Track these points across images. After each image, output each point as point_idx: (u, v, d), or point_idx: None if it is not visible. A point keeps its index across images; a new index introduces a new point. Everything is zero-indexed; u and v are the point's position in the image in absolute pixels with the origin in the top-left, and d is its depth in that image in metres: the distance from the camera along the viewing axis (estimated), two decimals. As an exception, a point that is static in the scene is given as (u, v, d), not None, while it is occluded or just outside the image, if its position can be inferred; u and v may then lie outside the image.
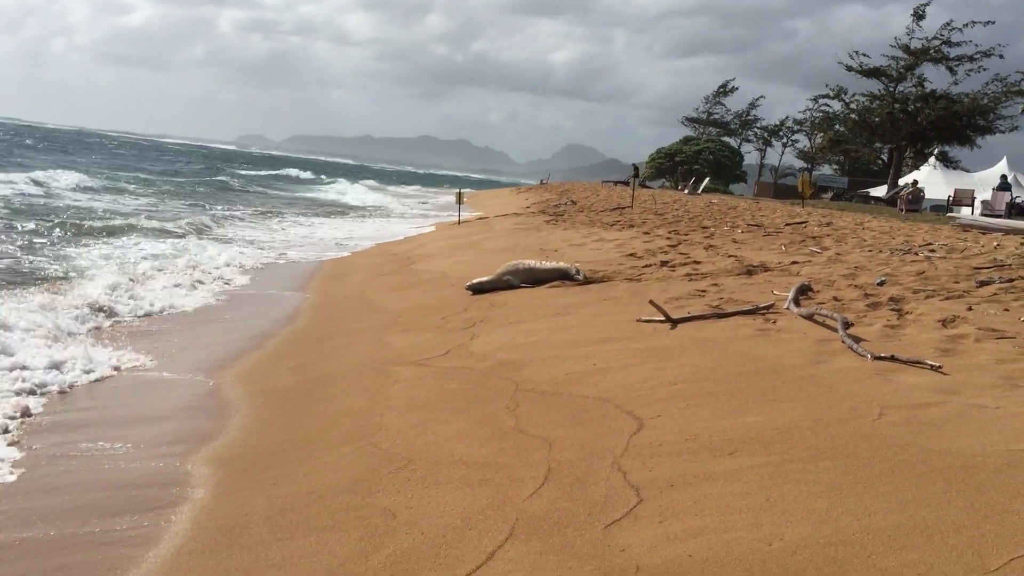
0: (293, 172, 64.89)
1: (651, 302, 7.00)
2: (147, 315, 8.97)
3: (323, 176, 63.35)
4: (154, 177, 37.58)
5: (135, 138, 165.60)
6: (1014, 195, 26.84)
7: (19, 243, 13.63)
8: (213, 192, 33.79)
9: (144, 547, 3.69)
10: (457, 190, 24.44)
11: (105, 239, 15.06)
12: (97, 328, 8.07)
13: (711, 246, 12.06)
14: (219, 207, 26.09)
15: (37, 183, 25.68)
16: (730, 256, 10.76)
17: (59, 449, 4.93)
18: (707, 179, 45.17)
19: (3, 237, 14.05)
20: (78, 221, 17.29)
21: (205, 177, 44.48)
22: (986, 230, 15.54)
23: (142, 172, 40.61)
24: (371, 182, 60.97)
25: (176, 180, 38.22)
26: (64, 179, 28.04)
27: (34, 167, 35.42)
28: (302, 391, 6.18)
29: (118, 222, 18.05)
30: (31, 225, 15.94)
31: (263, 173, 59.26)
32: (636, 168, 29.50)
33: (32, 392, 5.84)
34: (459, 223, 21.18)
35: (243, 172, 58.26)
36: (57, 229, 15.68)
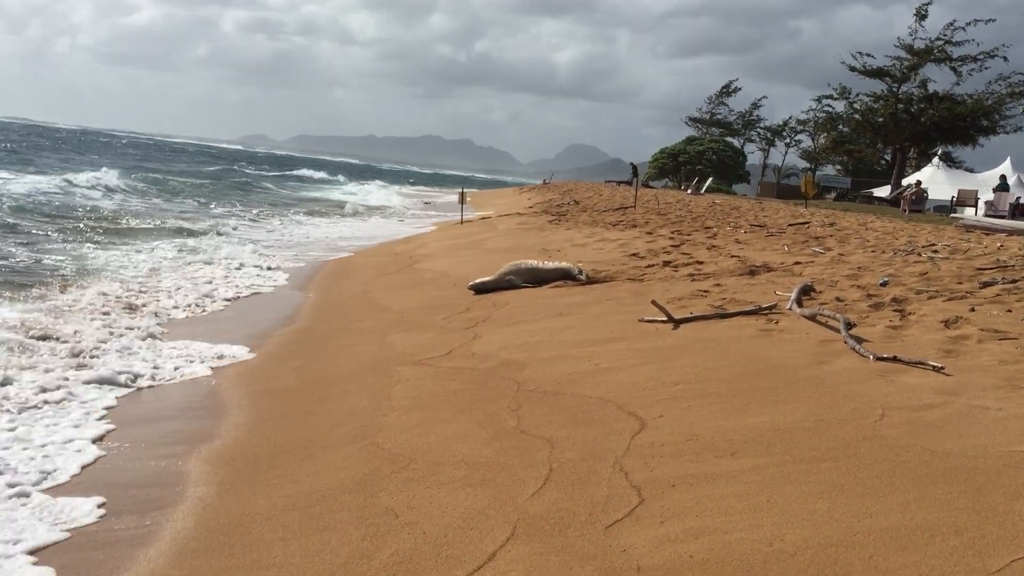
0: (307, 173, 65.80)
1: (653, 302, 7.00)
2: (158, 320, 8.97)
3: (340, 176, 64.25)
4: (173, 178, 37.69)
5: (142, 138, 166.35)
6: (1018, 196, 26.82)
7: (51, 243, 13.87)
8: (234, 192, 34.18)
9: (146, 546, 3.69)
10: (460, 189, 24.45)
11: (128, 241, 15.22)
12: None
13: (714, 246, 12.05)
14: (240, 207, 26.52)
15: (72, 184, 26.28)
16: (733, 256, 10.76)
17: (62, 448, 4.94)
18: (710, 179, 45.11)
19: (27, 239, 14.24)
20: (101, 223, 17.67)
21: (224, 178, 44.95)
22: (989, 231, 15.51)
23: (159, 173, 40.58)
24: (379, 182, 62.23)
25: (195, 181, 38.26)
26: (86, 179, 28.21)
27: (55, 168, 36.00)
28: (304, 391, 6.19)
29: (138, 223, 18.36)
30: (60, 225, 16.38)
31: (279, 174, 59.97)
32: (635, 167, 29.54)
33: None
34: (462, 223, 21.19)
35: (259, 172, 59.19)
36: (74, 231, 15.96)
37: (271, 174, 58.23)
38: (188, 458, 4.80)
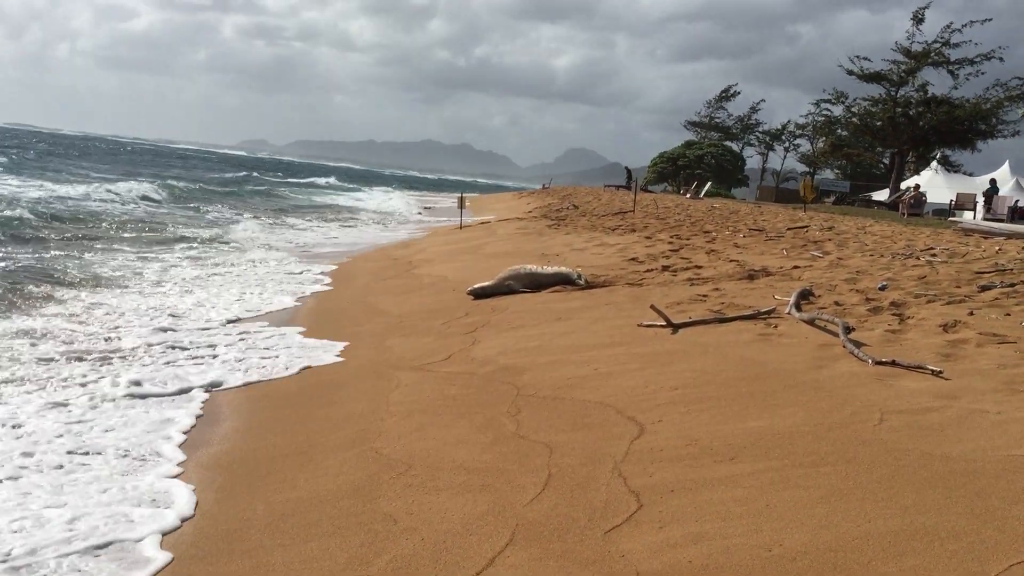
0: (318, 180, 67.24)
1: (652, 307, 7.00)
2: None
3: (360, 186, 65.77)
4: (200, 186, 38.25)
5: (146, 143, 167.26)
6: (1017, 199, 26.82)
7: (112, 253, 14.12)
8: (257, 199, 35.06)
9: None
10: (459, 194, 24.47)
11: (185, 249, 15.56)
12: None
13: (713, 251, 12.05)
14: (263, 212, 27.31)
15: (113, 193, 27.05)
16: (732, 261, 10.75)
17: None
18: (709, 183, 45.11)
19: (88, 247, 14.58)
20: (155, 233, 18.12)
21: (244, 184, 46.08)
22: (988, 234, 15.51)
23: (185, 181, 40.78)
24: (384, 187, 64.63)
25: (221, 189, 38.79)
26: (125, 189, 28.68)
27: (82, 177, 36.97)
28: (303, 395, 6.17)
29: (191, 232, 18.68)
30: (108, 234, 17.05)
31: (293, 181, 61.03)
32: (629, 171, 29.59)
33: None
34: (461, 227, 21.19)
35: (275, 179, 60.80)
36: (134, 240, 16.43)
37: (286, 181, 59.29)
38: (185, 463, 4.78)
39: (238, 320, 9.03)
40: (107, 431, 5.18)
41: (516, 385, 5.61)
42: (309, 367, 6.98)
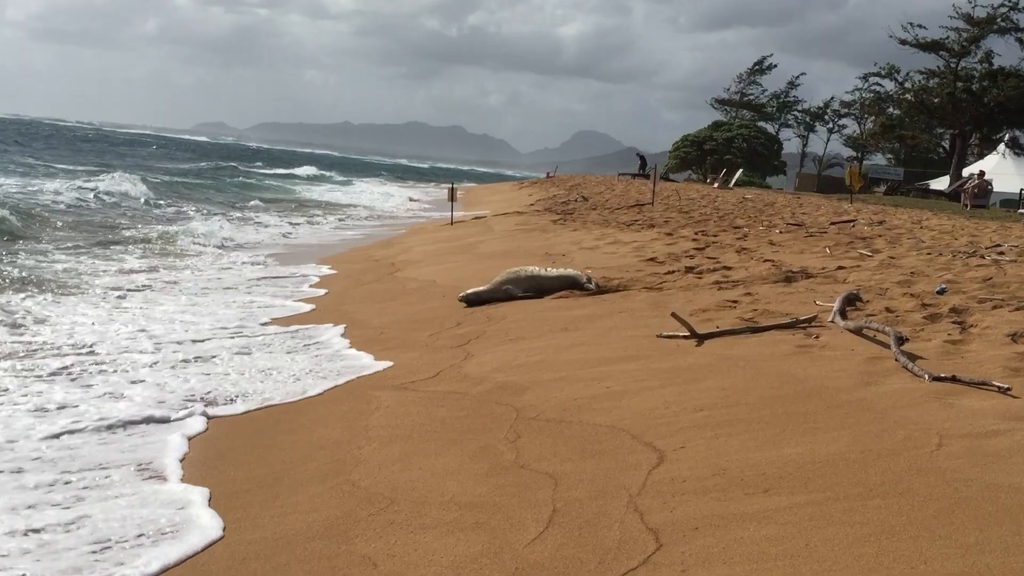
0: (300, 171, 67.83)
1: (674, 315, 7.03)
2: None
3: (348, 177, 66.95)
4: (178, 179, 38.41)
5: (89, 128, 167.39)
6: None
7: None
8: (238, 192, 35.62)
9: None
10: (450, 184, 24.56)
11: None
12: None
13: (744, 249, 12.09)
14: (244, 210, 27.50)
15: (86, 189, 26.81)
16: (766, 260, 10.79)
17: None
18: (740, 171, 45.27)
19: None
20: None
21: (221, 178, 46.16)
22: (1064, 228, 15.53)
23: (162, 174, 40.78)
24: (368, 178, 66.50)
25: (196, 181, 39.09)
26: (106, 184, 28.50)
27: (42, 169, 37.00)
28: (268, 420, 6.18)
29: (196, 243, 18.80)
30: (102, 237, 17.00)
31: (271, 172, 61.48)
32: (642, 157, 29.58)
33: None
34: (452, 223, 21.23)
35: (251, 169, 60.97)
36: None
37: (264, 171, 59.81)
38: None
39: (209, 338, 9.06)
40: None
41: (515, 406, 5.62)
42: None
